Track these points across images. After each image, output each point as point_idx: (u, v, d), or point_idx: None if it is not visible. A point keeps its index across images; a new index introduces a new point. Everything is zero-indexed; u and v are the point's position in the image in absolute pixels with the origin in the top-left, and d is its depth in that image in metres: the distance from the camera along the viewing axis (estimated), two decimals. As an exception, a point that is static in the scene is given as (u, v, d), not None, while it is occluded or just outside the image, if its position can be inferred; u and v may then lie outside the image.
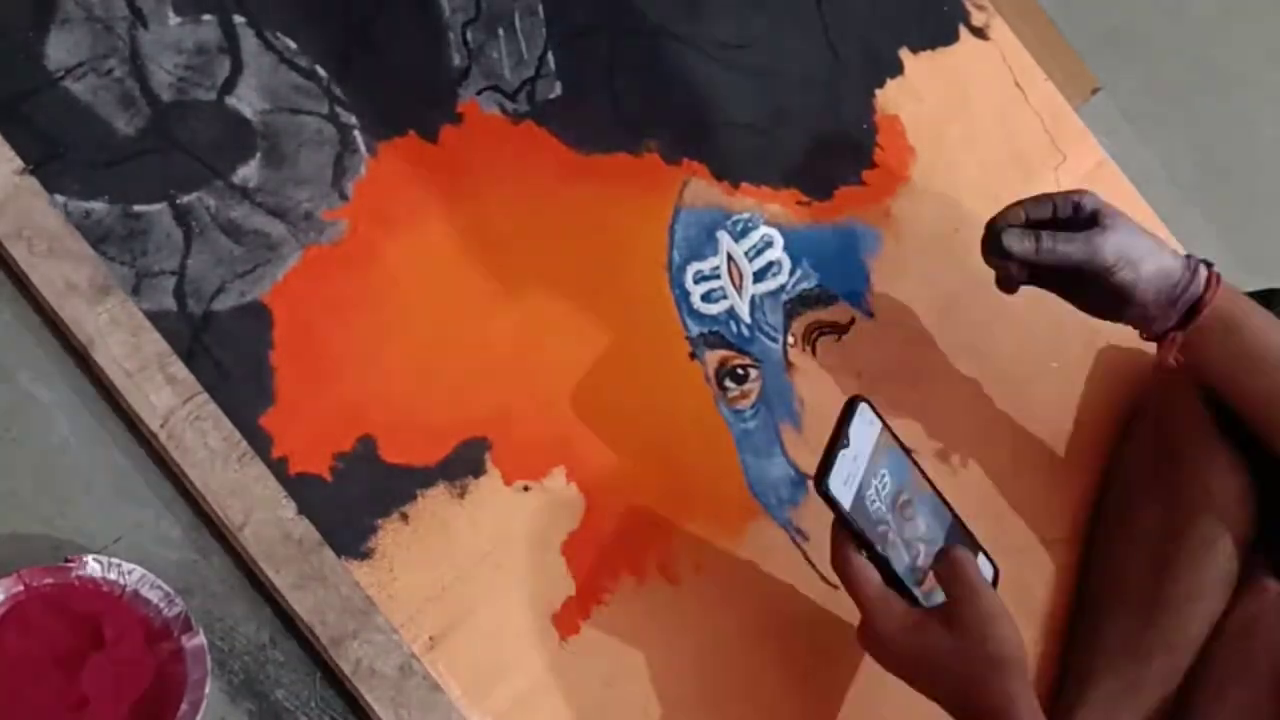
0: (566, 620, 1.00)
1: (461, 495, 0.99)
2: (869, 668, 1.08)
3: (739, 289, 1.15)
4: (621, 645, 1.01)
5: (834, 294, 1.19)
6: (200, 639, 0.87)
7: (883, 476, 0.97)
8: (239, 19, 1.02)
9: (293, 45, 1.04)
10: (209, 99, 1.00)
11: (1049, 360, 1.27)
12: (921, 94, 1.31)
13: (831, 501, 0.93)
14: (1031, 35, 1.40)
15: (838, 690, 1.08)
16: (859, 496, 0.94)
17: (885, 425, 0.99)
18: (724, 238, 1.16)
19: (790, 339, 1.15)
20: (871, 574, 0.96)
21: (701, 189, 1.17)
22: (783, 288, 1.17)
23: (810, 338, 1.16)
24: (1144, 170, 1.42)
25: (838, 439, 0.94)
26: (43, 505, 0.89)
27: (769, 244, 1.17)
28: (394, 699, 0.92)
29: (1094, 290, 1.10)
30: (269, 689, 0.91)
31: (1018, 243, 1.09)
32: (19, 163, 0.92)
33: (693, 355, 1.11)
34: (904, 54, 1.32)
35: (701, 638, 1.04)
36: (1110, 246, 1.07)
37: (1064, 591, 1.20)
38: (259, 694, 0.91)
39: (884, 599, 0.95)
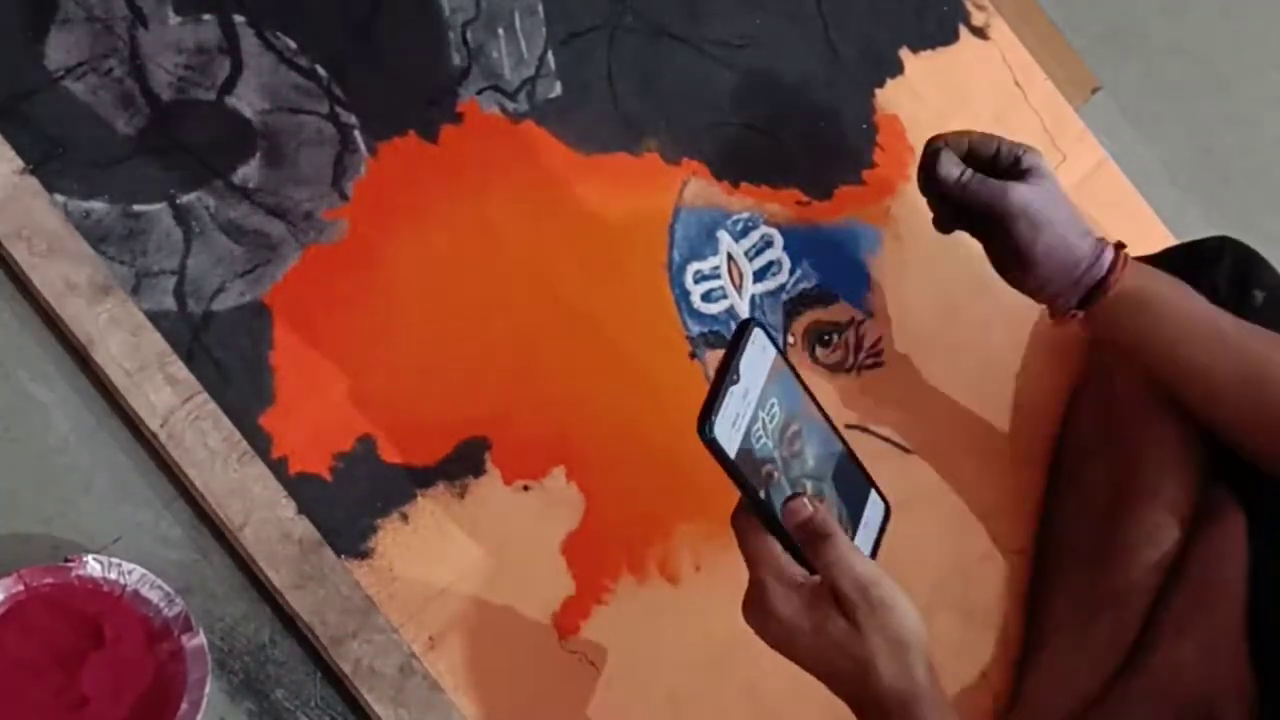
0: (566, 620, 1.00)
1: (461, 495, 0.99)
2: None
3: (739, 289, 1.15)
4: (621, 645, 1.01)
5: (834, 293, 1.19)
6: (200, 639, 0.87)
7: (771, 406, 0.84)
8: (239, 19, 1.02)
9: (293, 45, 1.04)
10: (209, 99, 1.00)
11: (1048, 360, 1.26)
12: (921, 94, 1.30)
13: (716, 450, 0.80)
14: (1031, 35, 1.40)
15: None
16: (746, 437, 0.81)
17: (780, 349, 0.86)
18: (724, 237, 1.16)
19: (790, 338, 1.15)
20: (771, 548, 0.85)
21: (701, 188, 1.17)
22: (783, 287, 1.17)
23: (810, 337, 1.16)
24: (1144, 170, 1.42)
25: (725, 372, 0.81)
26: (43, 505, 0.89)
27: (769, 244, 1.17)
28: (394, 699, 0.92)
29: (1000, 243, 1.08)
30: (269, 689, 0.91)
31: (943, 167, 1.08)
32: (19, 163, 0.93)
33: (693, 355, 1.11)
34: (904, 54, 1.32)
35: (702, 638, 1.04)
36: (1018, 198, 1.05)
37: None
38: (259, 693, 0.91)
39: (779, 574, 0.84)
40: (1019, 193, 1.05)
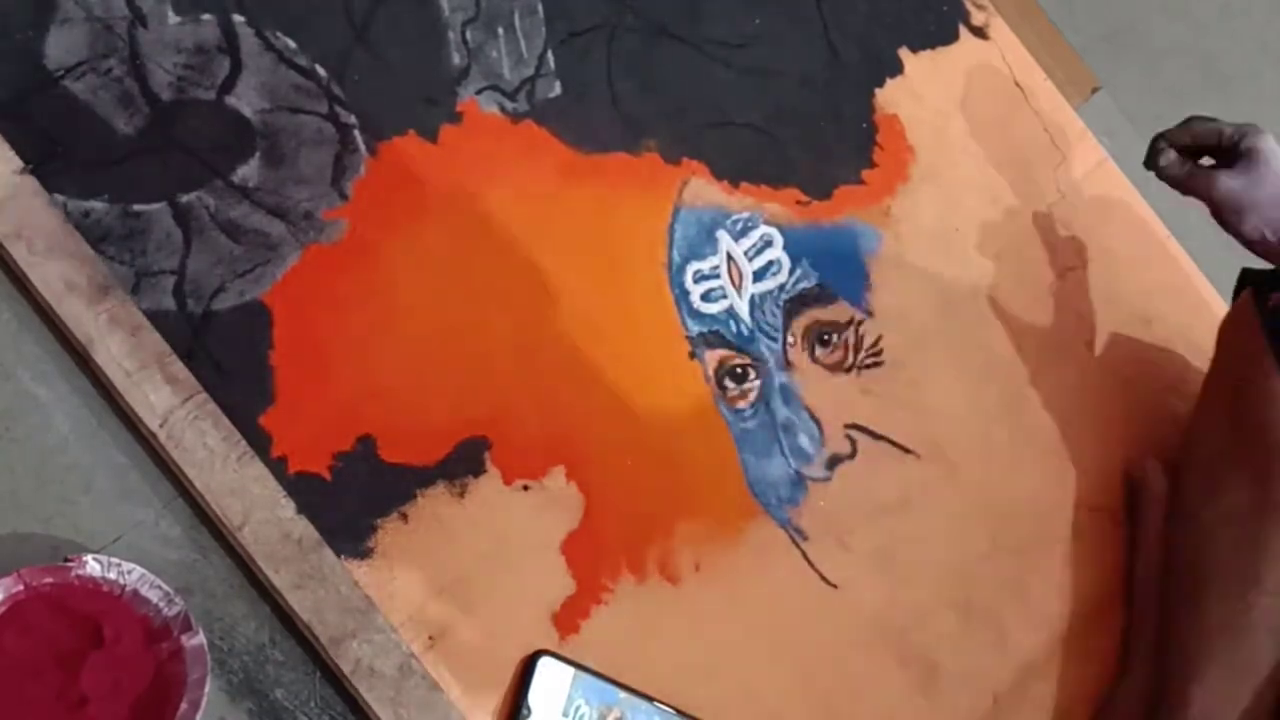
0: (566, 620, 1.00)
1: (461, 495, 0.99)
2: (868, 668, 1.08)
3: (738, 288, 1.15)
4: (621, 645, 1.01)
5: (833, 293, 1.19)
6: (200, 638, 0.87)
7: (577, 709, 0.97)
8: (238, 18, 1.02)
9: (292, 44, 1.04)
10: (208, 98, 1.00)
11: (1049, 358, 1.26)
12: (921, 93, 1.31)
13: None
14: (1031, 35, 1.40)
15: (837, 690, 1.07)
16: None
17: (579, 666, 0.98)
18: (724, 237, 1.16)
19: (790, 338, 1.15)
20: None
21: (701, 188, 1.17)
22: (782, 287, 1.17)
23: (810, 337, 1.16)
24: (1144, 170, 1.42)
25: (516, 710, 0.95)
26: (43, 505, 0.89)
27: (768, 243, 1.17)
28: (393, 699, 0.92)
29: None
30: (269, 688, 0.91)
31: (1163, 160, 1.20)
32: (19, 162, 0.92)
33: (692, 355, 1.11)
34: (904, 53, 1.32)
35: (702, 637, 1.04)
36: (1220, 189, 1.16)
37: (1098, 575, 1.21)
38: (259, 693, 0.91)
39: None
40: (1222, 183, 1.15)
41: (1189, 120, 1.21)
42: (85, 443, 0.91)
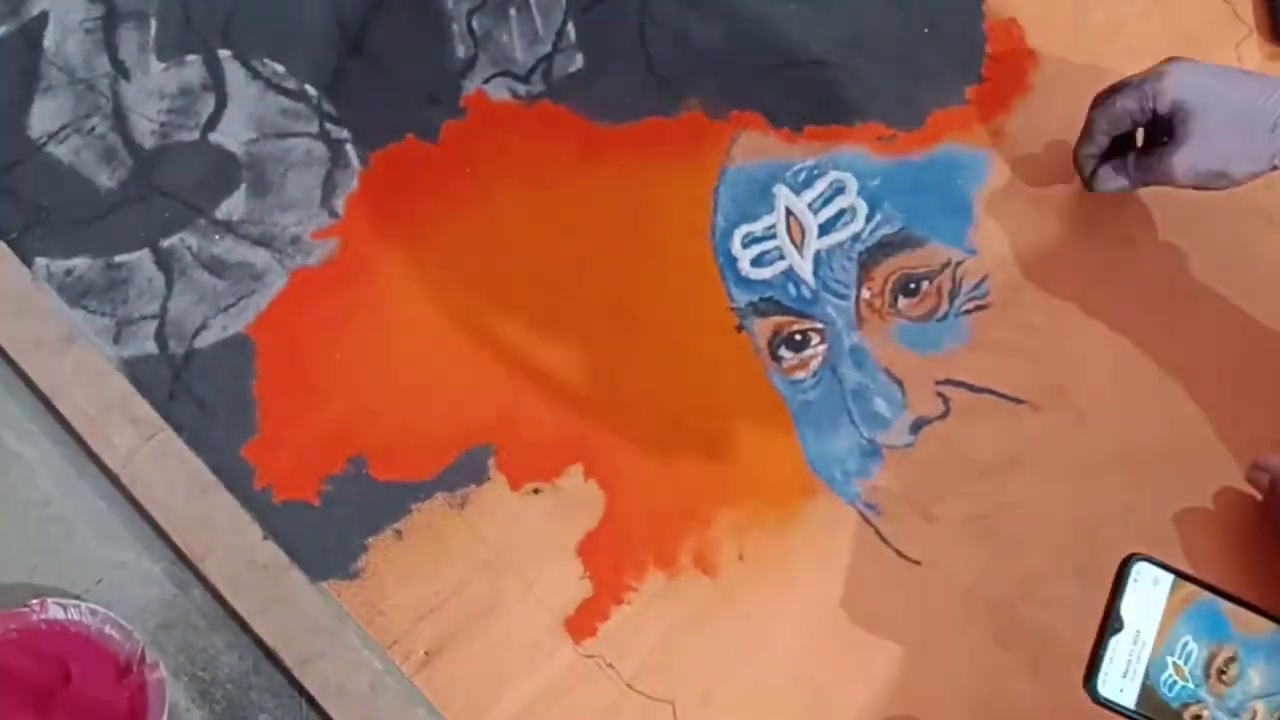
0: (581, 623, 0.95)
1: (462, 505, 0.97)
2: (959, 650, 0.96)
3: (799, 246, 1.05)
4: (646, 644, 0.95)
5: (922, 235, 1.05)
6: (160, 672, 0.89)
7: (1184, 646, 0.82)
8: (224, 52, 1.04)
9: (280, 69, 1.04)
10: (192, 139, 1.02)
11: (1216, 278, 1.07)
12: (1048, -15, 1.14)
13: (1110, 706, 0.80)
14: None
15: (919, 677, 0.96)
16: (1151, 684, 0.81)
17: (1178, 573, 0.82)
18: (782, 192, 1.06)
19: (865, 293, 1.04)
20: None
21: (754, 141, 1.07)
22: (856, 237, 1.05)
23: (892, 288, 1.04)
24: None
25: (1107, 620, 0.81)
26: (27, 556, 0.94)
27: (839, 190, 1.06)
28: (365, 716, 0.91)
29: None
30: (252, 715, 0.93)
31: (1110, 185, 1.04)
32: (-13, 237, 0.98)
33: (740, 327, 1.03)
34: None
35: (748, 630, 0.96)
36: (1183, 170, 0.97)
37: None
38: (243, 720, 0.93)
39: None
40: (1180, 163, 0.97)
41: (1093, 112, 1.03)
42: (67, 493, 0.95)
